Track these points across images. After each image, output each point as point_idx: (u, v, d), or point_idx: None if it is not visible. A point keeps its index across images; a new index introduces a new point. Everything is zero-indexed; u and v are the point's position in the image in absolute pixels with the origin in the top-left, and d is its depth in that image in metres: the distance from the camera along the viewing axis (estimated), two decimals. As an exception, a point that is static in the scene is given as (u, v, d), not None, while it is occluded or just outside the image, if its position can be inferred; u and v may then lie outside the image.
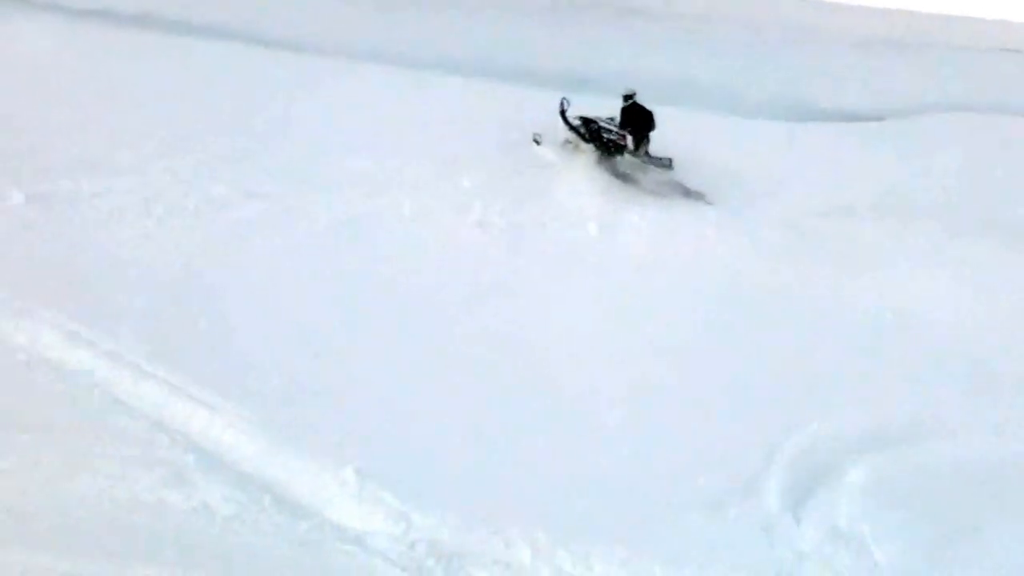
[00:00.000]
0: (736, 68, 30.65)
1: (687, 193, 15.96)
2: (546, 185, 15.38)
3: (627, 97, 16.79)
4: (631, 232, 13.84)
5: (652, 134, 16.47)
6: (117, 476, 6.98)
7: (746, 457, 8.10)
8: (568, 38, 34.37)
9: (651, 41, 35.02)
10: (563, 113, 16.72)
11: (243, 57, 23.81)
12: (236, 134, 16.21)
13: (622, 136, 16.46)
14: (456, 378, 9.03)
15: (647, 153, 16.48)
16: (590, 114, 16.80)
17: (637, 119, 16.50)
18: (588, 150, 16.68)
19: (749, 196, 15.77)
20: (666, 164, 16.16)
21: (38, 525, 6.39)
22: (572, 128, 16.86)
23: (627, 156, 16.51)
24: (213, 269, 10.85)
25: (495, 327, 10.23)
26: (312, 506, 7.06)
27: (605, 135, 16.68)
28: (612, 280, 12.17)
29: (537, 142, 16.90)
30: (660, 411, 8.79)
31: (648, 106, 16.40)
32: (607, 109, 16.70)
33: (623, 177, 16.22)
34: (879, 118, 24.28)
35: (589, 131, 16.72)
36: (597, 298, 11.48)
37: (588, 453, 8.04)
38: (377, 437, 7.99)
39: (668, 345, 10.24)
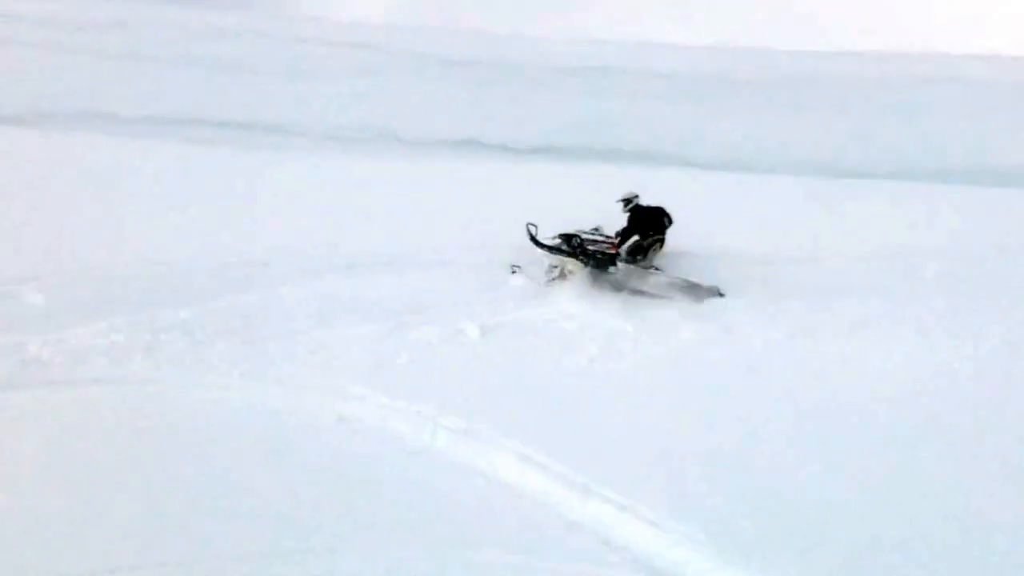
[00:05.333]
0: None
1: (697, 290, 13.87)
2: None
3: (627, 202, 14.79)
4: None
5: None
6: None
7: None
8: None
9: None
10: (533, 238, 14.39)
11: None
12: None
13: (611, 244, 14.38)
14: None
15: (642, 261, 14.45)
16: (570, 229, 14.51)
17: (646, 222, 14.52)
18: (578, 268, 14.47)
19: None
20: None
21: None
22: (551, 250, 14.52)
23: (620, 264, 14.32)
24: (656, 390, 10.93)
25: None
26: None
27: (591, 247, 14.45)
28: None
29: (514, 272, 14.58)
30: None
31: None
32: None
33: (621, 288, 14.15)
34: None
35: (573, 248, 14.45)
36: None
37: None
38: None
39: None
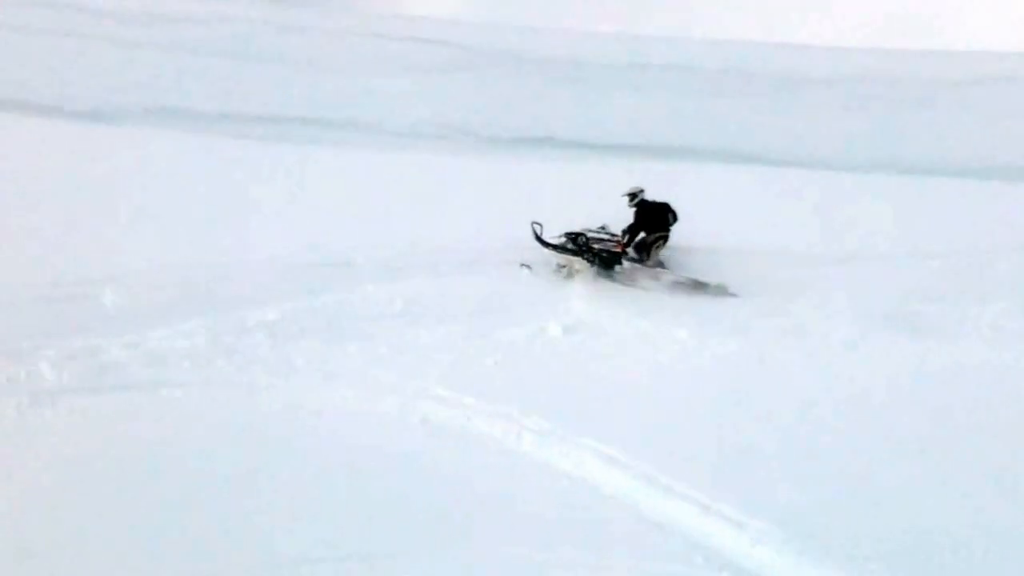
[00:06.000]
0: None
1: (705, 289, 13.93)
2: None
3: (632, 196, 14.69)
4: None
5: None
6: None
7: None
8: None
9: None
10: (538, 238, 14.40)
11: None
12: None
13: (616, 242, 14.41)
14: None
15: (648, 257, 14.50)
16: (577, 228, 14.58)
17: (651, 218, 14.48)
18: (584, 267, 14.51)
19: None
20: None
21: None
22: (556, 249, 14.53)
23: (626, 264, 14.41)
24: (735, 390, 11.07)
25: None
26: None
27: (596, 245, 14.48)
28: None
29: (524, 268, 14.49)
30: None
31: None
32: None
33: (629, 284, 14.21)
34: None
35: (579, 246, 14.48)
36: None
37: None
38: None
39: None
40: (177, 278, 13.02)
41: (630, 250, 14.50)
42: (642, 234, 14.49)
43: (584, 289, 13.72)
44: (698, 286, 13.91)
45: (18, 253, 13.44)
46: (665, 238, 14.54)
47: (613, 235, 14.52)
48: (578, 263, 14.47)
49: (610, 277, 14.37)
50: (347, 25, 27.69)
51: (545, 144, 20.86)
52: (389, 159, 18.59)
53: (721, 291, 13.85)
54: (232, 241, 14.36)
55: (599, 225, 14.63)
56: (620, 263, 14.44)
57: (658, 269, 14.38)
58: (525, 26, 29.73)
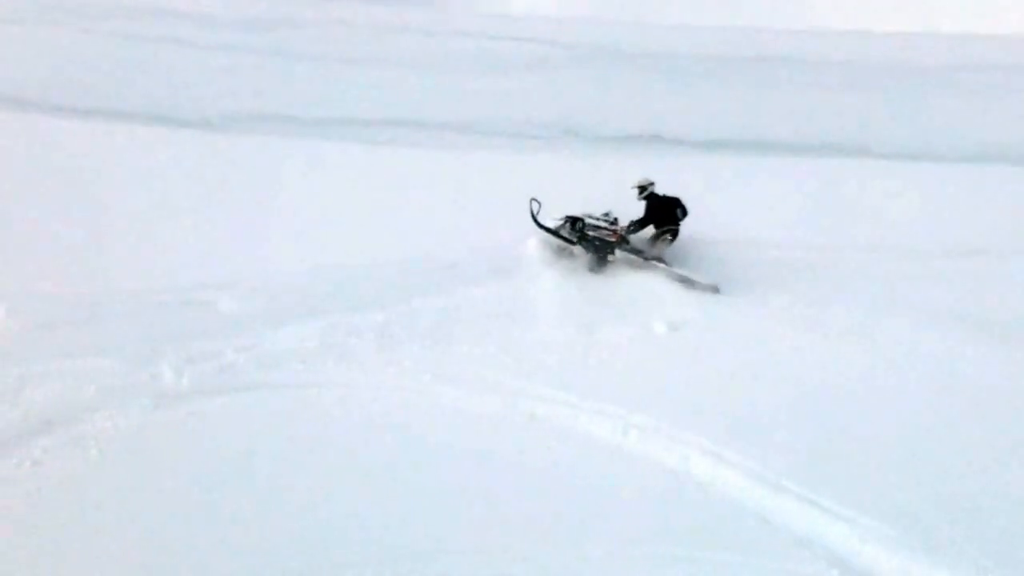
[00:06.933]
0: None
1: (693, 286, 13.59)
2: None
3: (642, 189, 14.28)
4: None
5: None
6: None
7: None
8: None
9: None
10: (534, 217, 14.09)
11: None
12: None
13: (612, 231, 13.96)
14: None
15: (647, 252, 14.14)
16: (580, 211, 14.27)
17: (660, 212, 14.11)
18: (581, 252, 14.25)
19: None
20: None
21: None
22: (550, 232, 14.25)
23: (618, 253, 14.02)
24: (844, 387, 11.03)
25: None
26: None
27: (591, 233, 14.08)
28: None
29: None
30: None
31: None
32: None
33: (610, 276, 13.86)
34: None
35: (577, 231, 14.13)
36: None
37: None
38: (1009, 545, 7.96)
39: None
40: (288, 282, 13.37)
41: (631, 239, 14.39)
42: (651, 227, 14.37)
43: (688, 289, 13.69)
44: (687, 283, 13.74)
45: (139, 261, 13.93)
46: (674, 232, 14.34)
47: (613, 223, 14.30)
48: (575, 248, 14.45)
49: (603, 266, 14.29)
50: (452, 27, 27.99)
51: (651, 141, 20.89)
52: (494, 160, 18.78)
53: (711, 291, 13.67)
54: (341, 245, 14.63)
55: (603, 211, 14.45)
56: (613, 252, 14.30)
57: (653, 262, 14.18)
58: (632, 21, 29.78)
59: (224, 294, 12.91)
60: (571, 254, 14.45)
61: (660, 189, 14.26)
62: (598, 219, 14.31)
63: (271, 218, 15.74)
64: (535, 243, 14.40)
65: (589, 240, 14.28)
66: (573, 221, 14.28)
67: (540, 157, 19.17)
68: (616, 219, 14.37)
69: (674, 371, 11.24)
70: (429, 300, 12.93)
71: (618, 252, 14.26)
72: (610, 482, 9.10)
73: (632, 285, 13.63)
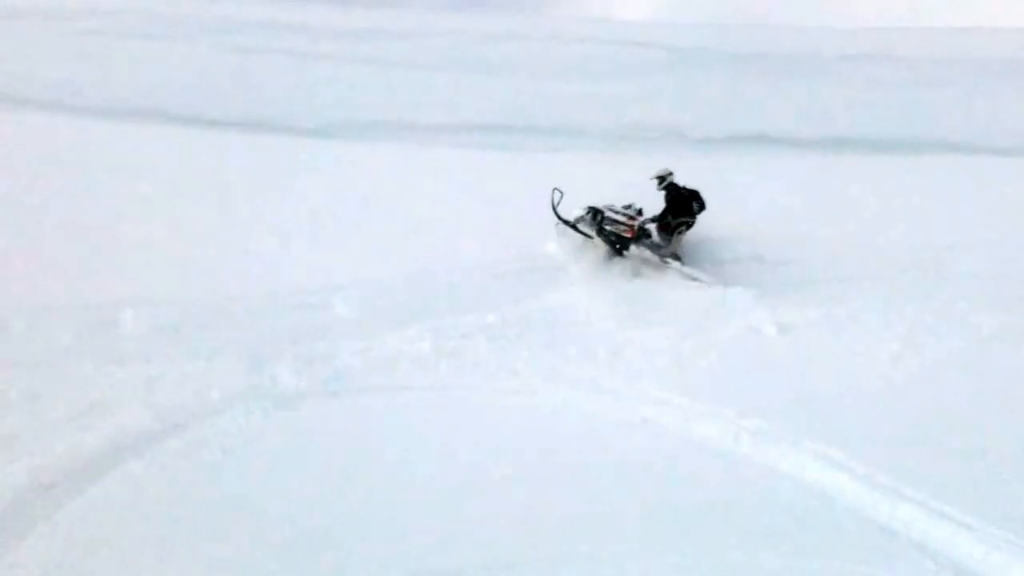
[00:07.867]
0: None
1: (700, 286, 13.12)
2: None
3: (660, 179, 13.81)
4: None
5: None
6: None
7: None
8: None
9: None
10: (554, 208, 13.77)
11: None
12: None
13: (629, 227, 13.51)
14: None
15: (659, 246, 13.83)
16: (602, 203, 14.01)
17: (677, 204, 13.70)
18: (601, 244, 13.84)
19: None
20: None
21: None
22: (568, 224, 13.98)
23: (633, 249, 13.61)
24: (960, 390, 10.75)
25: None
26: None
27: (608, 227, 13.64)
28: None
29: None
30: None
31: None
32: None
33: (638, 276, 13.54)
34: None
35: (597, 223, 13.78)
36: None
37: None
38: None
39: None
40: (398, 285, 13.63)
41: (654, 234, 14.30)
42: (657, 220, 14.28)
43: (796, 291, 13.51)
44: (700, 283, 13.63)
45: (255, 265, 14.34)
46: (688, 225, 14.14)
47: (632, 218, 14.16)
48: (597, 240, 14.38)
49: (618, 260, 14.20)
50: (555, 30, 28.07)
51: (758, 142, 20.67)
52: (599, 161, 18.85)
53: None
54: (453, 247, 14.88)
55: (624, 204, 14.38)
56: (628, 248, 14.18)
57: (670, 259, 14.01)
58: (730, 23, 29.57)
59: (339, 296, 13.20)
60: (595, 244, 14.47)
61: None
62: (619, 212, 14.27)
63: (382, 221, 16.03)
64: (554, 246, 14.54)
65: (606, 234, 14.28)
66: (594, 213, 14.31)
67: (648, 159, 18.77)
68: (640, 210, 14.32)
69: (786, 374, 11.08)
70: (541, 301, 13.07)
71: (633, 248, 14.20)
72: (722, 486, 8.99)
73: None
